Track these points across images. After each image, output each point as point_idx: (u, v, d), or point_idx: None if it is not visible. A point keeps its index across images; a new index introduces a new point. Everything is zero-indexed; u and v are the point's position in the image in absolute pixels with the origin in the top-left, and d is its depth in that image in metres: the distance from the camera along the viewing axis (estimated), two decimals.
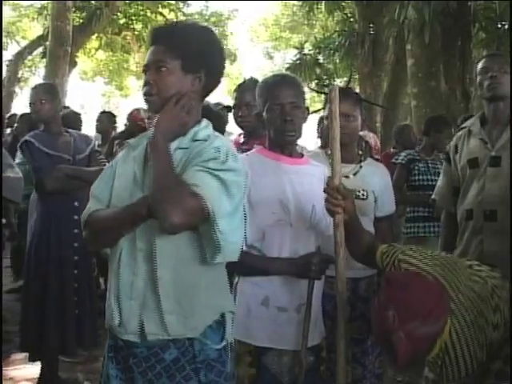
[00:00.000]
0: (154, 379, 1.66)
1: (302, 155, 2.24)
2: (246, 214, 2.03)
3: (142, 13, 16.71)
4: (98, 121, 6.10)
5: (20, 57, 16.47)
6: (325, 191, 1.90)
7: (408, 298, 1.47)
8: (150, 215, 1.58)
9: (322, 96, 3.49)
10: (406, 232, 4.41)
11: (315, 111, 2.97)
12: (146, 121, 4.62)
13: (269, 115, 2.11)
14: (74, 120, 5.01)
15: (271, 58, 24.94)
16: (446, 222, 2.88)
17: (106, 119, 6.10)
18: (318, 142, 4.51)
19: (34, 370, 3.60)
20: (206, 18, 19.17)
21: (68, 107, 6.36)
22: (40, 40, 15.46)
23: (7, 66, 15.97)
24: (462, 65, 7.61)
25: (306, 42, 15.29)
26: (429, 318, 1.45)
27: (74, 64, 14.22)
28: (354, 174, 2.52)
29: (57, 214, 3.38)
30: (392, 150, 5.90)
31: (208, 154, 1.62)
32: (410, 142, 5.37)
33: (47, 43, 12.70)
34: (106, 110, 9.02)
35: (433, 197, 2.97)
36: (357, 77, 11.08)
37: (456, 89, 7.59)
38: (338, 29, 12.71)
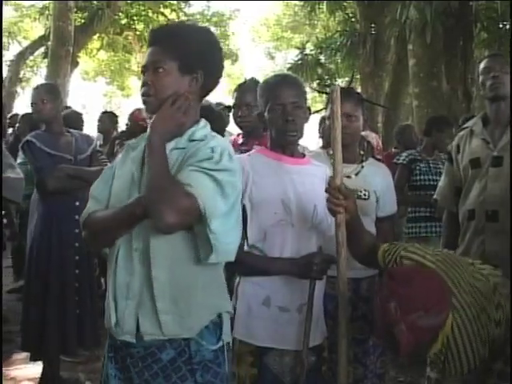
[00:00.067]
0: (150, 379, 1.65)
1: (303, 155, 2.24)
2: (247, 214, 2.04)
3: (143, 13, 16.73)
4: (99, 121, 6.09)
5: (22, 57, 16.49)
6: (326, 191, 1.90)
7: (410, 292, 1.47)
8: (145, 215, 1.58)
9: (324, 96, 3.49)
10: (408, 232, 4.40)
11: (317, 111, 2.96)
12: (147, 121, 4.61)
13: (270, 115, 2.10)
14: (75, 120, 5.00)
15: (273, 58, 24.94)
16: (448, 222, 2.87)
17: (108, 119, 6.09)
18: (320, 142, 4.51)
19: (36, 369, 3.60)
20: (208, 18, 19.16)
21: (70, 107, 6.36)
22: (42, 40, 15.49)
23: (9, 66, 16.02)
24: (463, 65, 7.59)
25: (307, 42, 15.26)
26: (431, 311, 1.45)
27: (75, 64, 14.23)
28: (356, 174, 2.52)
29: (58, 214, 3.39)
30: (394, 150, 5.89)
31: (203, 153, 1.62)
32: (412, 142, 5.37)
33: (49, 43, 12.72)
34: (108, 110, 9.03)
35: (434, 197, 2.97)
36: (358, 77, 11.06)
37: (458, 89, 7.57)
38: (339, 29, 12.71)
